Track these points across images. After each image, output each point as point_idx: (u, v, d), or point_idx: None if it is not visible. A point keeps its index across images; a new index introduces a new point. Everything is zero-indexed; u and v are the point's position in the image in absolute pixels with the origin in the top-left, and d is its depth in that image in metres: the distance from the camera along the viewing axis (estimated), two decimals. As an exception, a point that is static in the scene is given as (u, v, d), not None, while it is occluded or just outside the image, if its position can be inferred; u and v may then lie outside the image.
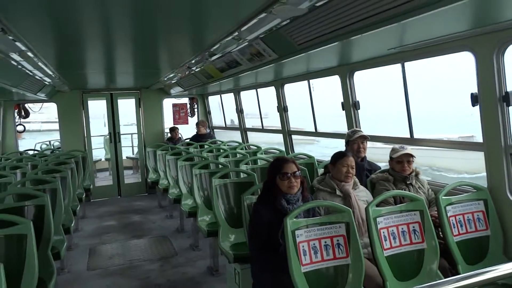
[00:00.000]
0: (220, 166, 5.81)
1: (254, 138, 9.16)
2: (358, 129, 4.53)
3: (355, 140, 4.37)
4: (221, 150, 7.34)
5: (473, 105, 3.37)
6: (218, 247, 4.93)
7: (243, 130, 8.71)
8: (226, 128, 9.95)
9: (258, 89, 7.62)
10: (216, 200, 4.30)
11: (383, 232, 3.01)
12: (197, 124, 9.30)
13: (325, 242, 2.86)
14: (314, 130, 6.20)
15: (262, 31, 3.26)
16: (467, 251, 3.17)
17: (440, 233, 3.26)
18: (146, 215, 8.04)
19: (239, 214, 4.29)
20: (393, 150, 3.83)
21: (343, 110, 5.15)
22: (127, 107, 10.44)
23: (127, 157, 11.34)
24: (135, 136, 12.90)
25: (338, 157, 3.70)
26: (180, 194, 6.09)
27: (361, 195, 3.67)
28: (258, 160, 6.10)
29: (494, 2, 2.29)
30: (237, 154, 7.00)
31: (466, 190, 3.45)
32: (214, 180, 4.33)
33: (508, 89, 3.11)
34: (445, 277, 2.94)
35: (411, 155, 3.72)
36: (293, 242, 2.75)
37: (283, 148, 6.98)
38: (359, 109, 4.97)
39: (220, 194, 4.33)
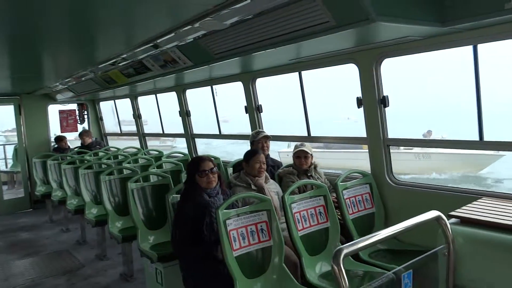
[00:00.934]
0: (125, 171, 5.78)
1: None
2: (261, 130, 5.03)
3: (259, 140, 4.86)
4: (120, 157, 7.21)
5: (359, 107, 4.13)
6: (131, 252, 4.98)
7: (142, 136, 8.64)
8: (122, 134, 9.69)
9: (157, 95, 7.71)
10: (133, 204, 4.36)
11: (297, 216, 3.52)
12: (81, 135, 8.79)
13: (251, 228, 3.24)
14: (218, 133, 6.57)
15: (183, 41, 3.52)
16: (359, 226, 3.87)
17: (339, 213, 3.91)
18: (37, 232, 7.43)
19: (158, 216, 4.47)
20: (294, 147, 4.41)
21: (246, 113, 5.63)
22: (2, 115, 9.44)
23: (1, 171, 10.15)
24: (9, 147, 11.67)
25: (251, 155, 4.14)
26: (82, 204, 5.87)
27: (272, 187, 4.16)
28: (163, 164, 6.20)
29: (372, 28, 2.94)
30: (139, 160, 6.97)
31: (356, 177, 4.18)
32: (131, 184, 4.38)
33: (385, 94, 3.91)
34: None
35: (307, 151, 4.34)
36: (225, 231, 3.07)
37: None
38: (261, 112, 5.51)
39: (138, 198, 4.40)
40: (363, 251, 3.64)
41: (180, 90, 6.87)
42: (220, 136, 6.69)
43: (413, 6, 2.69)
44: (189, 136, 7.09)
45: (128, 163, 6.57)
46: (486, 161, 17.93)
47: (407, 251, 3.58)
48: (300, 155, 4.35)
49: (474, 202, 3.09)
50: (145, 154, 7.70)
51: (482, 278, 2.57)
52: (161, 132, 8.11)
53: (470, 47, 3.27)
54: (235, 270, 3.02)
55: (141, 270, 4.83)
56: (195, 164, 3.54)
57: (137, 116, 8.56)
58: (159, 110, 7.87)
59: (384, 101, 3.92)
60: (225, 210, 3.12)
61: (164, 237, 4.30)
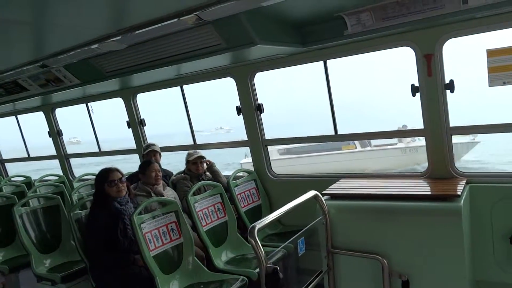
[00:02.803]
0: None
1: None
2: (151, 143, 5.26)
3: (148, 153, 5.11)
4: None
5: (238, 114, 4.77)
6: (19, 283, 4.68)
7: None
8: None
9: (18, 116, 7.13)
10: (23, 230, 4.16)
11: (200, 214, 3.95)
12: None
13: (163, 229, 3.56)
14: (98, 150, 6.49)
15: (73, 60, 3.63)
16: (251, 217, 4.49)
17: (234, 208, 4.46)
18: None
19: (52, 238, 4.36)
20: (189, 154, 4.81)
21: (129, 128, 5.78)
22: None
23: None
24: None
25: (146, 166, 4.40)
26: None
27: (169, 193, 4.50)
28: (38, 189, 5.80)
29: (252, 49, 3.59)
30: (3, 188, 6.30)
31: (243, 175, 4.80)
32: (18, 209, 4.17)
33: (260, 102, 4.64)
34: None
35: (203, 157, 4.80)
36: (141, 234, 3.32)
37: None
38: (145, 125, 5.73)
39: (29, 222, 4.22)
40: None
41: (49, 109, 6.55)
42: (99, 153, 6.60)
43: (283, 32, 3.47)
44: (63, 156, 6.79)
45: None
46: (465, 149, 20.82)
47: (294, 231, 4.33)
48: (197, 161, 4.76)
49: (337, 182, 4.00)
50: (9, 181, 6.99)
51: (352, 238, 3.40)
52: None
53: (321, 63, 4.20)
54: (154, 268, 3.30)
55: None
56: (104, 175, 3.69)
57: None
58: (21, 132, 7.28)
59: (259, 108, 4.65)
60: (138, 216, 3.37)
61: (62, 258, 4.25)
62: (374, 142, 21.48)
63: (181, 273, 3.52)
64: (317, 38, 3.70)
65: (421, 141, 18.35)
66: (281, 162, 19.00)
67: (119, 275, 3.45)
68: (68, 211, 3.98)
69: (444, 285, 3.06)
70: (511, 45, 3.29)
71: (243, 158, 18.76)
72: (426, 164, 3.85)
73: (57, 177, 6.63)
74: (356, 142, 21.08)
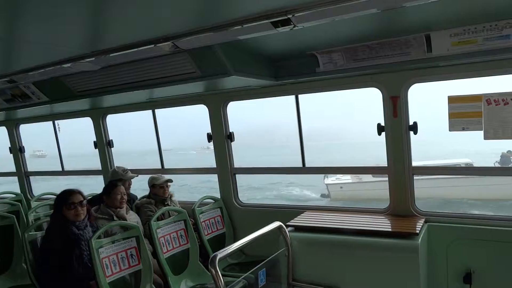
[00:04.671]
0: None
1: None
2: (127, 169, 5.13)
3: (127, 179, 4.98)
4: None
5: (209, 141, 4.79)
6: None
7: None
8: None
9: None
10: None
11: (162, 240, 3.87)
12: None
13: (121, 255, 3.45)
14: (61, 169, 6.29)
15: (43, 78, 3.57)
16: (215, 245, 4.43)
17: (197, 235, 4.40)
18: None
19: (5, 259, 4.14)
20: (155, 179, 4.75)
21: (95, 148, 5.66)
22: None
23: None
24: None
25: (112, 187, 4.30)
26: None
27: (132, 217, 4.39)
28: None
29: (226, 79, 3.66)
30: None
31: (209, 202, 4.77)
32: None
33: (231, 131, 4.69)
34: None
35: (171, 180, 4.75)
36: (98, 259, 3.21)
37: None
38: (113, 147, 5.63)
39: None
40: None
41: (12, 124, 6.35)
42: (63, 172, 6.40)
43: (257, 65, 3.57)
44: (23, 174, 6.53)
45: None
46: None
47: (256, 261, 4.30)
48: (164, 185, 4.70)
49: (302, 214, 4.04)
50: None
51: (313, 270, 3.43)
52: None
53: (293, 97, 4.32)
54: (109, 296, 3.18)
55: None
56: (64, 196, 3.56)
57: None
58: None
59: (230, 137, 4.69)
60: (97, 240, 3.27)
61: (11, 281, 4.03)
62: None
63: (138, 301, 3.41)
64: (290, 73, 3.82)
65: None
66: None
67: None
68: (22, 231, 3.80)
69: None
70: (471, 93, 3.51)
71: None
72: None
73: (13, 195, 6.34)
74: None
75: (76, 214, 3.53)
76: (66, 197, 3.56)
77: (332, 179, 21.71)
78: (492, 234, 3.39)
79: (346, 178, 21.15)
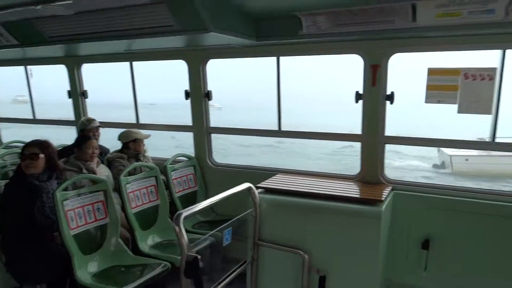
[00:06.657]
0: None
1: None
2: (92, 118, 5.02)
3: (90, 129, 4.88)
4: None
5: (186, 99, 4.68)
6: None
7: None
8: None
9: None
10: None
11: (131, 195, 3.86)
12: None
13: (88, 208, 3.43)
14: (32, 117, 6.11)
15: (12, 19, 3.36)
16: (185, 203, 4.44)
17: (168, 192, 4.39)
18: None
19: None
20: (132, 132, 4.65)
21: (69, 98, 5.49)
22: None
23: None
24: None
25: (84, 140, 4.21)
26: None
27: (102, 171, 4.33)
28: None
29: (206, 36, 3.51)
30: None
31: (182, 160, 4.73)
32: None
33: (209, 89, 4.59)
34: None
35: (147, 136, 4.69)
36: (62, 211, 3.18)
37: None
38: (87, 97, 5.47)
39: None
40: (187, 222, 4.23)
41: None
42: (34, 120, 6.21)
43: (238, 23, 3.44)
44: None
45: None
46: None
47: (225, 220, 4.35)
48: (138, 140, 4.63)
49: (273, 177, 4.05)
50: None
51: (278, 232, 3.48)
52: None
53: (275, 58, 4.22)
54: (72, 247, 3.19)
55: None
56: (23, 147, 3.45)
57: None
58: None
59: (208, 95, 4.60)
60: (63, 192, 3.22)
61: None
62: None
63: (102, 254, 3.42)
64: (271, 34, 3.71)
65: None
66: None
67: (33, 249, 3.27)
68: (-13, 179, 3.71)
69: (357, 284, 3.23)
70: (451, 67, 3.50)
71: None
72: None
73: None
74: None
75: (26, 165, 3.39)
76: (23, 148, 3.47)
77: (452, 150, 20.32)
78: (453, 204, 3.52)
79: (470, 151, 19.93)
